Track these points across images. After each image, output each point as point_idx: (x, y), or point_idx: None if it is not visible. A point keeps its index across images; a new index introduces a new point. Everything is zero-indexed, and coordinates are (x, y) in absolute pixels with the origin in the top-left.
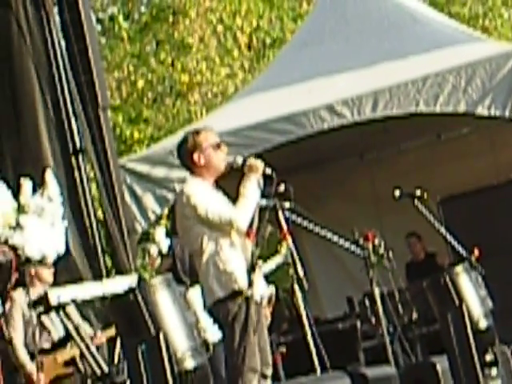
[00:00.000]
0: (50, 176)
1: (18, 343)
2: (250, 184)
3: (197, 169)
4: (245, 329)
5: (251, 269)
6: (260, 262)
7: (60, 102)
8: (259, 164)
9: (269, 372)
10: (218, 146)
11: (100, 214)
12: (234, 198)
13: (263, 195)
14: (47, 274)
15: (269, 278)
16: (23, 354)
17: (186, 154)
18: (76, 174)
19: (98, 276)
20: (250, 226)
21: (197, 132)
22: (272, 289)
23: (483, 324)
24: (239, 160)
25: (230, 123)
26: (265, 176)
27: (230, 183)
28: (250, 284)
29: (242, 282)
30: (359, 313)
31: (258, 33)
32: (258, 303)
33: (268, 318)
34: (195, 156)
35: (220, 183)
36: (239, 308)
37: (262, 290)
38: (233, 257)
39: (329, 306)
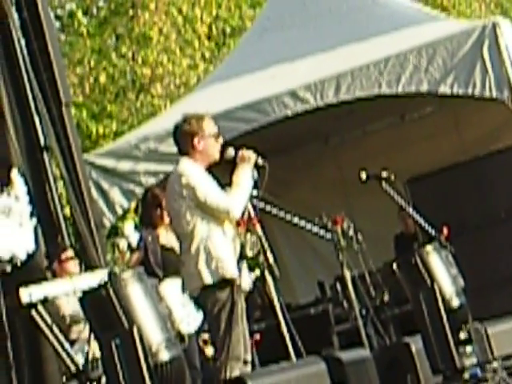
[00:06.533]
0: (15, 175)
1: None
2: (244, 173)
3: (194, 152)
4: (231, 318)
5: (240, 258)
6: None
7: (23, 101)
8: (252, 154)
9: (249, 357)
10: (216, 137)
11: (68, 211)
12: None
13: (256, 186)
14: (72, 266)
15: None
16: None
17: (186, 137)
18: (42, 172)
19: None
20: (242, 215)
21: (201, 117)
22: (253, 275)
23: (456, 302)
24: (231, 151)
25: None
26: (257, 167)
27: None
28: (239, 273)
29: (231, 270)
30: (331, 297)
31: (218, 22)
32: (244, 292)
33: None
34: (195, 140)
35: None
36: (227, 297)
37: (248, 279)
38: (224, 244)
39: (301, 292)
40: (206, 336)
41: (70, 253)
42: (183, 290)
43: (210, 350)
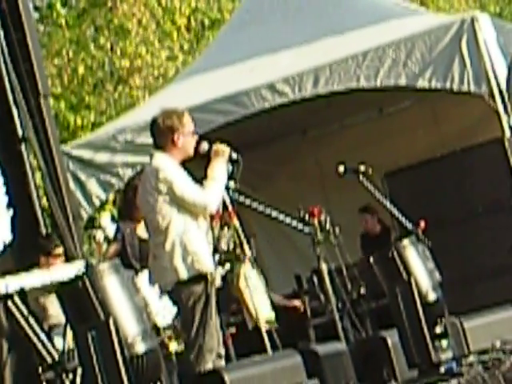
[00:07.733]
0: None
1: None
2: (218, 167)
3: (171, 148)
4: (206, 311)
5: (214, 251)
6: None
7: (1, 92)
8: (225, 148)
9: (222, 351)
10: (193, 133)
11: (45, 202)
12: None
13: (230, 178)
14: (59, 262)
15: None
16: None
17: (165, 132)
18: (19, 163)
19: None
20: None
21: (182, 113)
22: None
23: (432, 296)
24: (205, 146)
25: (172, 106)
26: (231, 161)
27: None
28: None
29: (207, 264)
30: (307, 290)
31: (197, 14)
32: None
33: None
34: (176, 136)
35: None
36: (202, 291)
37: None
38: (199, 239)
39: (277, 285)
40: (169, 332)
41: (60, 249)
42: (151, 282)
43: (173, 345)
